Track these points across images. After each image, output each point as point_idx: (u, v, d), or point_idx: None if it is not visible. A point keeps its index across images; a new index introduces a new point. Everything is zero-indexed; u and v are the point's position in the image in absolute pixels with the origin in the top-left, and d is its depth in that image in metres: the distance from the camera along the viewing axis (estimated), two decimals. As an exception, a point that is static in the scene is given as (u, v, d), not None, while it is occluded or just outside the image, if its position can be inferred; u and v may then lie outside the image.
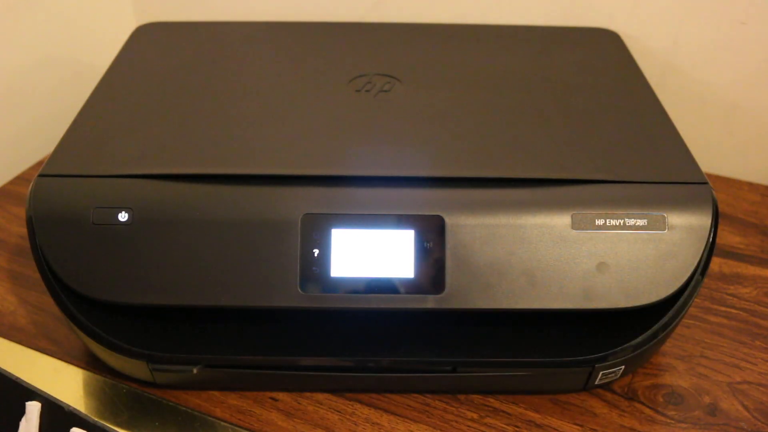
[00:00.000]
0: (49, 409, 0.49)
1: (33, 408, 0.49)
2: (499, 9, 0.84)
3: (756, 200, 0.78)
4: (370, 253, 0.50)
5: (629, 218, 0.50)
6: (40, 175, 0.52)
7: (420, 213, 0.50)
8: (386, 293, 0.50)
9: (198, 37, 0.74)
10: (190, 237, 0.49)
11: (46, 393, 0.49)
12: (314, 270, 0.49)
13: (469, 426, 0.54)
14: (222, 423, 0.54)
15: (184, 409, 0.55)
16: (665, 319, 0.52)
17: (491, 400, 0.56)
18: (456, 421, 0.55)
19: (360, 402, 0.56)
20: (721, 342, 0.61)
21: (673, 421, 0.55)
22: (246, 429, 0.54)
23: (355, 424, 0.54)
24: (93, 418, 0.48)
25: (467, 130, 0.58)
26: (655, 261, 0.49)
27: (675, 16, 0.78)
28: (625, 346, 0.52)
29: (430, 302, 0.49)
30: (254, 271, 0.49)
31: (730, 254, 0.70)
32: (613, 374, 0.54)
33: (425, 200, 0.50)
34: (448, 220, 0.50)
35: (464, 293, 0.49)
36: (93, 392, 0.57)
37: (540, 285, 0.49)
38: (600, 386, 0.57)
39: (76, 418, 0.48)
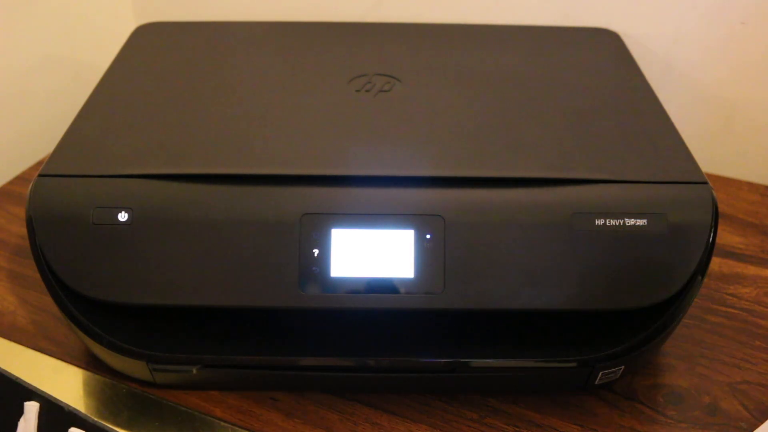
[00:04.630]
0: (48, 409, 0.49)
1: (31, 408, 0.49)
2: (499, 9, 0.84)
3: (756, 200, 0.78)
4: (370, 253, 0.50)
5: (629, 218, 0.50)
6: (40, 175, 0.52)
7: (420, 213, 0.50)
8: (386, 293, 0.50)
9: (198, 37, 0.74)
10: (190, 237, 0.49)
11: (45, 393, 0.49)
12: (314, 270, 0.49)
13: (469, 426, 0.54)
14: (222, 423, 0.54)
15: (184, 409, 0.55)
16: (665, 319, 0.52)
17: (491, 400, 0.56)
18: (456, 421, 0.55)
19: (360, 402, 0.56)
20: (721, 342, 0.61)
21: (673, 421, 0.55)
22: (246, 429, 0.54)
23: (355, 424, 0.54)
24: (93, 418, 0.48)
25: (467, 130, 0.58)
26: (655, 261, 0.49)
27: (675, 16, 0.78)
28: (625, 346, 0.52)
29: (430, 302, 0.49)
30: (254, 271, 0.49)
31: (730, 254, 0.70)
32: (613, 374, 0.54)
33: (425, 200, 0.50)
34: (448, 220, 0.50)
35: (464, 293, 0.49)
36: (93, 392, 0.57)
37: (540, 285, 0.49)
38: (600, 386, 0.57)
39: (75, 418, 0.48)
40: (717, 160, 0.83)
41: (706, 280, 0.53)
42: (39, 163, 0.83)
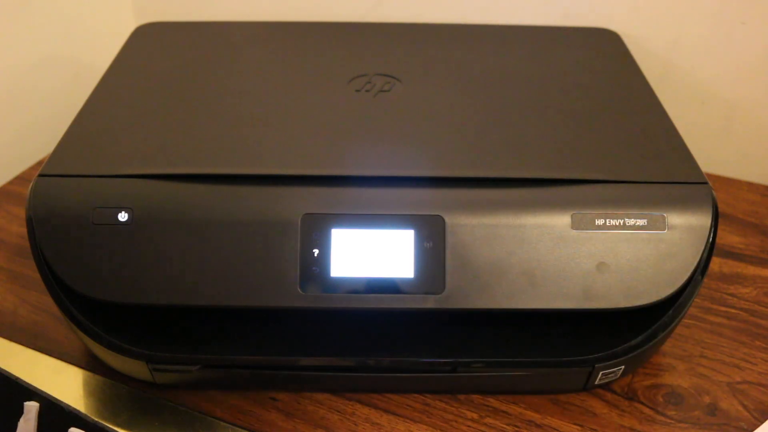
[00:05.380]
0: (48, 409, 0.49)
1: (31, 408, 0.49)
2: (499, 9, 0.84)
3: (756, 200, 0.78)
4: (370, 253, 0.50)
5: (629, 218, 0.50)
6: (40, 175, 0.52)
7: (420, 213, 0.50)
8: (386, 293, 0.50)
9: (198, 37, 0.74)
10: (190, 237, 0.49)
11: (45, 393, 0.49)
12: (314, 270, 0.49)
13: (469, 426, 0.54)
14: (222, 423, 0.54)
15: (184, 409, 0.55)
16: (665, 319, 0.52)
17: (491, 400, 0.56)
18: (456, 421, 0.55)
19: (360, 402, 0.56)
20: (721, 342, 0.61)
21: (673, 421, 0.55)
22: (246, 429, 0.54)
23: (355, 424, 0.54)
24: (92, 418, 0.48)
25: (467, 130, 0.58)
26: (655, 261, 0.49)
27: (675, 16, 0.78)
28: (625, 346, 0.52)
29: (430, 302, 0.49)
30: (254, 271, 0.49)
31: (730, 254, 0.70)
32: (613, 374, 0.54)
33: (425, 200, 0.50)
34: (448, 220, 0.50)
35: (464, 293, 0.49)
36: (93, 392, 0.57)
37: (540, 285, 0.49)
38: (600, 386, 0.57)
39: (75, 418, 0.48)
40: (717, 160, 0.83)
41: (706, 280, 0.53)
42: (39, 163, 0.83)
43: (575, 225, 0.50)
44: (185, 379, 0.55)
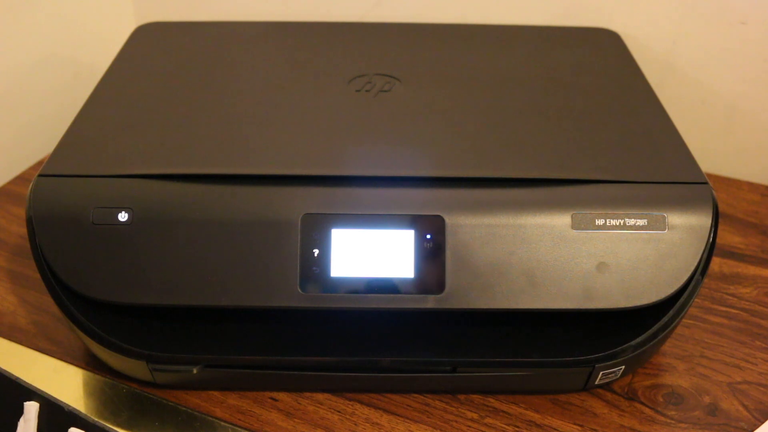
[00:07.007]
0: (48, 409, 0.49)
1: (31, 408, 0.49)
2: (499, 9, 0.84)
3: (756, 200, 0.78)
4: (370, 253, 0.50)
5: (629, 218, 0.50)
6: (40, 175, 0.52)
7: (420, 213, 0.50)
8: (386, 293, 0.50)
9: (198, 37, 0.74)
10: (190, 237, 0.49)
11: (45, 393, 0.49)
12: (314, 270, 0.49)
13: (469, 426, 0.54)
14: (222, 423, 0.55)
15: (184, 409, 0.55)
16: (665, 319, 0.52)
17: (491, 400, 0.56)
18: (456, 421, 0.55)
19: (360, 402, 0.56)
20: (721, 342, 0.61)
21: (673, 421, 0.55)
22: (246, 429, 0.54)
23: (355, 424, 0.54)
24: (93, 418, 0.48)
25: (467, 130, 0.58)
26: (655, 261, 0.49)
27: (675, 16, 0.78)
28: (625, 346, 0.52)
29: (430, 302, 0.49)
30: (254, 271, 0.49)
31: (730, 254, 0.70)
32: (613, 374, 0.54)
33: (425, 200, 0.50)
34: (448, 220, 0.50)
35: (464, 293, 0.49)
36: (93, 392, 0.57)
37: (540, 285, 0.49)
38: (600, 386, 0.57)
39: (75, 418, 0.48)
40: (717, 160, 0.83)
41: (706, 280, 0.53)
42: (39, 163, 0.83)
43: (575, 225, 0.50)
44: (185, 379, 0.55)
